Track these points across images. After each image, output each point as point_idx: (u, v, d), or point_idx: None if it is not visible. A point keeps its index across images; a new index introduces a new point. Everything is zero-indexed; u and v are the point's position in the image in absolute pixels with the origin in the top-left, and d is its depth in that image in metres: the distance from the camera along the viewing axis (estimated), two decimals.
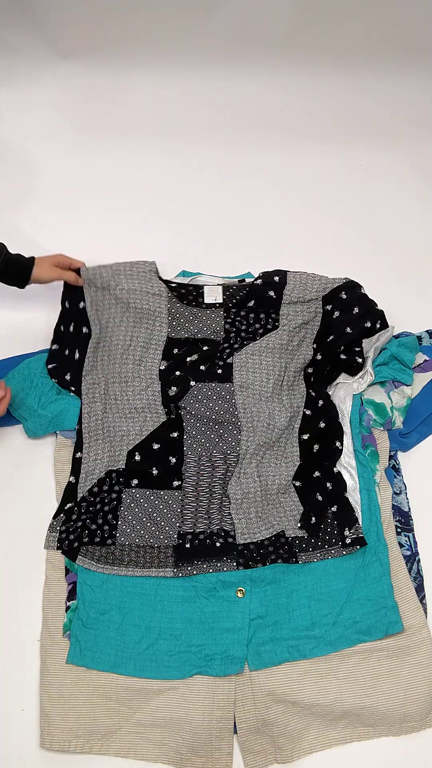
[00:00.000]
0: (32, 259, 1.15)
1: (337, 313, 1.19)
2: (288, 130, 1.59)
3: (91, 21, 1.54)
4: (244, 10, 1.54)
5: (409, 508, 1.14)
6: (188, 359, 1.16)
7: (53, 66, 1.60)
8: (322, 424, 1.14)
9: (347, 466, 1.10)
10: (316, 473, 1.10)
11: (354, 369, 1.17)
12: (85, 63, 1.60)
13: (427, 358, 1.22)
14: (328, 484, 1.09)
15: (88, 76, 1.61)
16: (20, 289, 1.17)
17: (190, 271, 1.29)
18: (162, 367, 1.16)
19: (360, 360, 1.16)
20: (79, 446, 1.12)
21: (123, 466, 1.09)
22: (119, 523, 1.05)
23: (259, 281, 1.21)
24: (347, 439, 1.12)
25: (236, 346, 1.17)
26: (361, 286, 1.22)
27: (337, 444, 1.11)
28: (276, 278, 1.21)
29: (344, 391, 1.16)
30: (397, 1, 1.52)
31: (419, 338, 1.26)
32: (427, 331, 1.27)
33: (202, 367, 1.15)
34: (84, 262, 1.20)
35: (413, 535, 1.12)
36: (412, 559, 1.10)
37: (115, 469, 1.09)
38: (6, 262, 1.12)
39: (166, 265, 1.33)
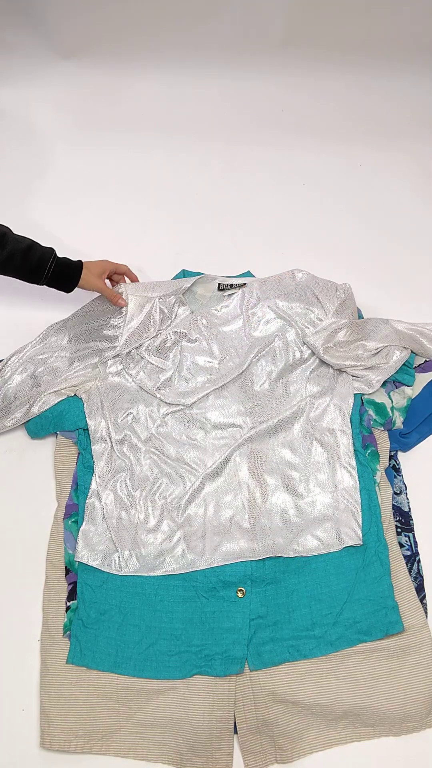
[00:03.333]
0: (80, 263, 1.15)
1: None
2: (288, 130, 1.59)
3: (91, 20, 1.54)
4: (244, 10, 1.54)
5: (409, 508, 1.14)
6: None
7: (53, 65, 1.60)
8: None
9: (347, 465, 1.10)
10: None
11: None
12: (85, 62, 1.60)
13: (427, 358, 1.22)
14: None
15: (88, 76, 1.61)
16: (66, 293, 1.16)
17: (190, 270, 1.29)
18: None
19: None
20: None
21: None
22: None
23: None
24: (347, 439, 1.12)
25: None
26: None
27: None
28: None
29: (346, 389, 1.16)
30: (397, 0, 1.52)
31: None
32: None
33: None
34: (132, 274, 1.22)
35: (413, 535, 1.12)
36: (412, 559, 1.09)
37: None
38: (57, 267, 1.12)
39: (166, 265, 1.33)
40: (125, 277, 1.25)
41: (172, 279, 1.26)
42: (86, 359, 1.18)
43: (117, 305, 1.19)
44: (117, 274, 1.23)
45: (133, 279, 1.25)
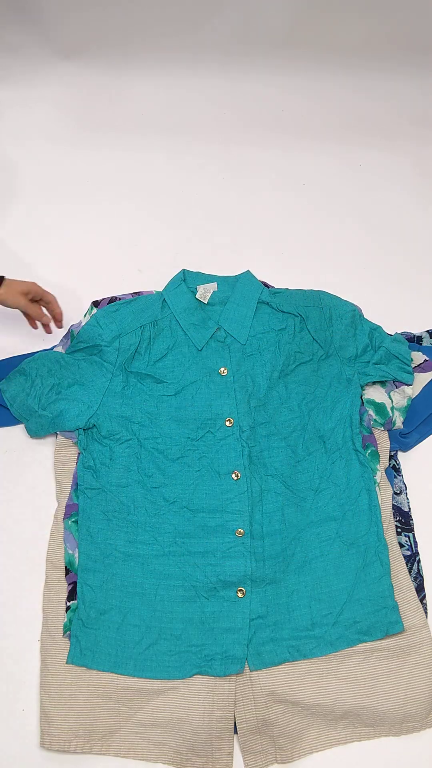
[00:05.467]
0: (1, 279, 1.11)
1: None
2: (288, 130, 1.59)
3: (91, 21, 1.54)
4: (244, 10, 1.54)
5: (409, 508, 1.14)
6: None
7: (53, 65, 1.60)
8: None
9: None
10: None
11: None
12: (85, 62, 1.60)
13: (427, 358, 1.22)
14: None
15: (89, 76, 1.61)
16: None
17: (190, 270, 1.29)
18: None
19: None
20: None
21: None
22: None
23: None
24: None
25: None
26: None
27: None
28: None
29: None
30: (397, 1, 1.52)
31: (419, 338, 1.26)
32: (427, 331, 1.27)
33: None
34: (58, 308, 1.18)
35: (413, 535, 1.12)
36: (412, 559, 1.10)
37: None
38: None
39: (165, 265, 1.33)
40: (45, 309, 1.20)
41: (173, 279, 1.25)
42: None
43: (42, 321, 1.15)
44: (42, 301, 1.20)
45: (57, 313, 1.22)
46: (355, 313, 1.21)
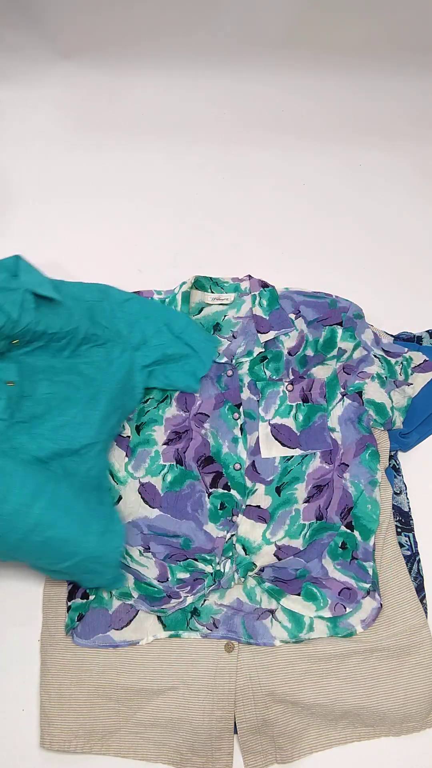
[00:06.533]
0: None
1: None
2: (288, 130, 1.59)
3: (91, 20, 1.54)
4: (244, 10, 1.54)
5: (409, 508, 1.14)
6: None
7: (53, 65, 1.60)
8: None
9: None
10: None
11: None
12: (85, 62, 1.60)
13: (427, 358, 1.22)
14: None
15: (89, 76, 1.61)
16: None
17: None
18: None
19: None
20: None
21: None
22: None
23: None
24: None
25: None
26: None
27: None
28: None
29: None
30: (397, 1, 1.52)
31: (419, 338, 1.26)
32: (427, 331, 1.27)
33: None
34: None
35: (413, 535, 1.12)
36: (412, 559, 1.10)
37: None
38: None
39: (165, 265, 1.33)
40: None
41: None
42: None
43: None
44: None
45: None
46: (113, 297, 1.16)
